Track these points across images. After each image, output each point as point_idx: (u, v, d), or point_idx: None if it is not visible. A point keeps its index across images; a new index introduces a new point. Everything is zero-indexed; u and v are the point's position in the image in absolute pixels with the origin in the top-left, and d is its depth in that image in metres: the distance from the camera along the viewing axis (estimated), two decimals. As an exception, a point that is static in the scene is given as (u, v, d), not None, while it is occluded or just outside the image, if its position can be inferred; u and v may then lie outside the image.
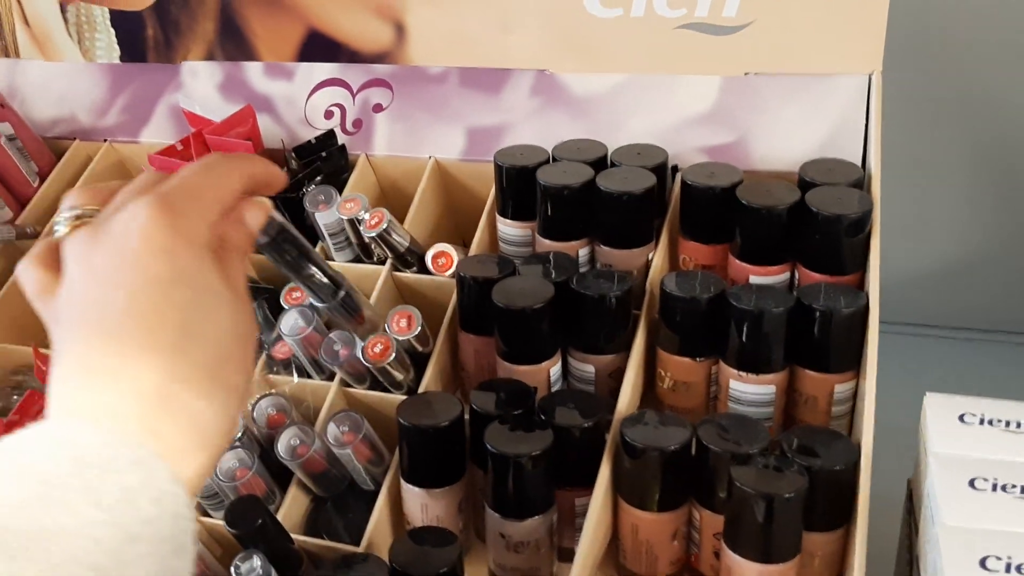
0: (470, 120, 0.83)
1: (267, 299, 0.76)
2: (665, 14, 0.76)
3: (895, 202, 0.78)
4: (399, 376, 0.69)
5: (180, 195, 0.42)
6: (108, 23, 0.93)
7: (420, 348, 0.70)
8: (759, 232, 0.67)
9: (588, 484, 0.60)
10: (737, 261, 0.68)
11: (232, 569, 0.58)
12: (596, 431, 0.61)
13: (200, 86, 0.91)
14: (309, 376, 0.72)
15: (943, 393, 0.61)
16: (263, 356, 0.72)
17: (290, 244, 0.49)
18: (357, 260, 0.79)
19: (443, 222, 0.85)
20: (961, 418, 0.58)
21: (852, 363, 0.63)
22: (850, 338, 0.62)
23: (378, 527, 0.63)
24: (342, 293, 0.51)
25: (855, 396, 0.64)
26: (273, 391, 0.70)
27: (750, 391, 0.63)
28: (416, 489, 0.63)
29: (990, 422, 0.58)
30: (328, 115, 0.87)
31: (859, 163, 0.72)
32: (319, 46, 0.86)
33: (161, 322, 0.39)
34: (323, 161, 0.83)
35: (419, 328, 0.69)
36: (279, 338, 0.71)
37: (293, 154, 0.84)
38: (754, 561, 0.54)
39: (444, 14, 0.81)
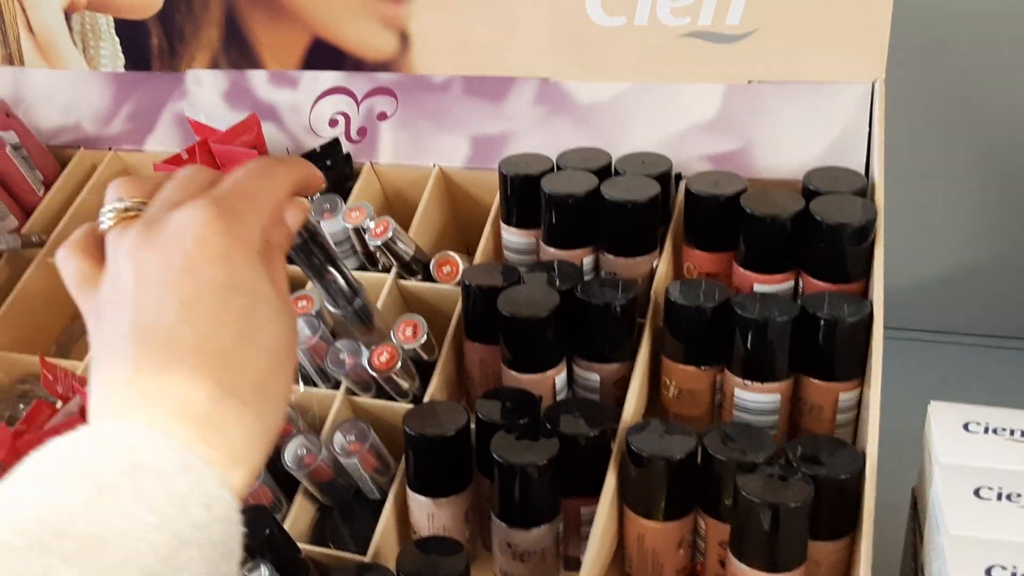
0: (474, 128, 0.83)
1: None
2: (668, 22, 0.76)
3: (899, 209, 0.78)
4: (405, 385, 0.69)
5: (236, 200, 0.41)
6: (113, 31, 0.93)
7: (426, 357, 0.70)
8: (763, 240, 0.67)
9: (594, 493, 0.60)
10: (741, 269, 0.69)
11: (239, 579, 0.58)
12: (602, 440, 0.61)
13: (205, 94, 0.91)
14: (315, 385, 0.72)
15: (948, 400, 0.61)
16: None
17: (319, 247, 0.49)
18: (362, 268, 0.79)
19: (447, 230, 0.85)
20: (966, 427, 0.59)
21: (856, 371, 0.63)
22: (854, 347, 0.62)
23: (384, 536, 0.63)
24: (359, 301, 0.52)
25: (859, 404, 0.64)
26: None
27: (755, 399, 0.64)
28: (422, 498, 0.63)
29: (995, 431, 0.58)
30: (333, 123, 0.88)
31: (862, 171, 0.73)
32: (324, 54, 0.86)
33: (216, 331, 0.39)
34: (328, 169, 0.83)
35: (425, 337, 0.69)
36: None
37: (298, 162, 0.84)
38: (760, 570, 0.55)
39: (448, 23, 0.81)
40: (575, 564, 0.61)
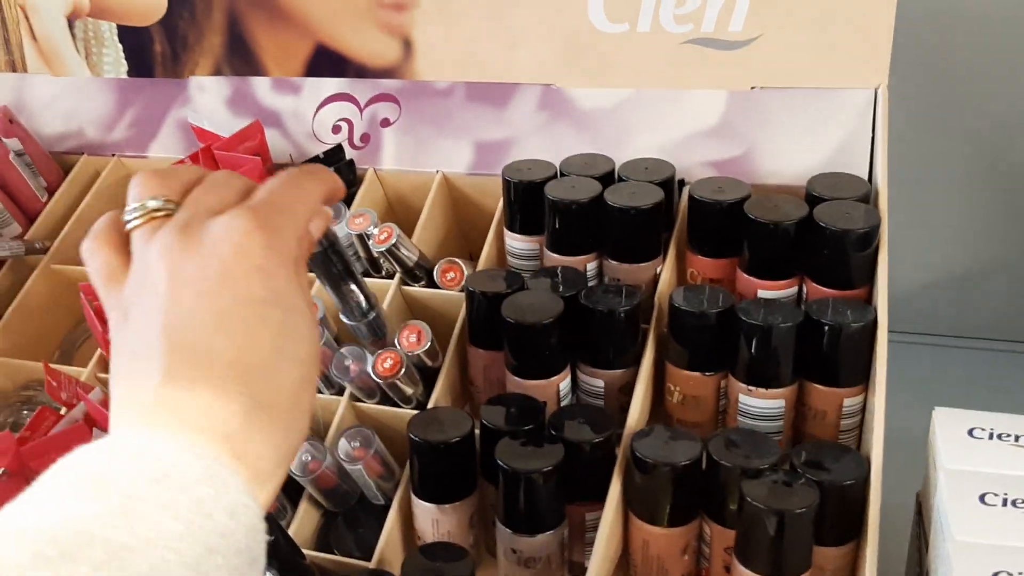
0: (477, 134, 0.83)
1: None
2: (671, 29, 0.76)
3: (902, 215, 0.78)
4: (409, 391, 0.69)
5: (273, 211, 0.41)
6: (116, 38, 0.93)
7: (430, 363, 0.70)
8: (767, 246, 0.67)
9: (599, 499, 0.60)
10: (745, 275, 0.69)
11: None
12: (606, 446, 0.61)
13: (208, 101, 0.92)
14: (319, 391, 0.72)
15: (952, 405, 0.61)
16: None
17: (338, 257, 0.48)
18: (366, 274, 0.79)
19: (451, 236, 0.86)
20: (971, 433, 0.59)
21: (861, 377, 0.63)
22: (859, 352, 0.62)
23: (389, 542, 0.63)
24: (373, 314, 0.51)
25: (864, 410, 0.64)
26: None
27: (759, 405, 0.64)
28: (427, 504, 0.63)
29: (1000, 436, 0.58)
30: (336, 130, 0.88)
31: (866, 177, 0.73)
32: (327, 61, 0.86)
33: (252, 344, 0.38)
34: (331, 176, 0.83)
35: (429, 343, 0.69)
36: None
37: (301, 169, 0.84)
38: (765, 576, 0.55)
39: (451, 30, 0.81)
40: (580, 570, 0.62)
